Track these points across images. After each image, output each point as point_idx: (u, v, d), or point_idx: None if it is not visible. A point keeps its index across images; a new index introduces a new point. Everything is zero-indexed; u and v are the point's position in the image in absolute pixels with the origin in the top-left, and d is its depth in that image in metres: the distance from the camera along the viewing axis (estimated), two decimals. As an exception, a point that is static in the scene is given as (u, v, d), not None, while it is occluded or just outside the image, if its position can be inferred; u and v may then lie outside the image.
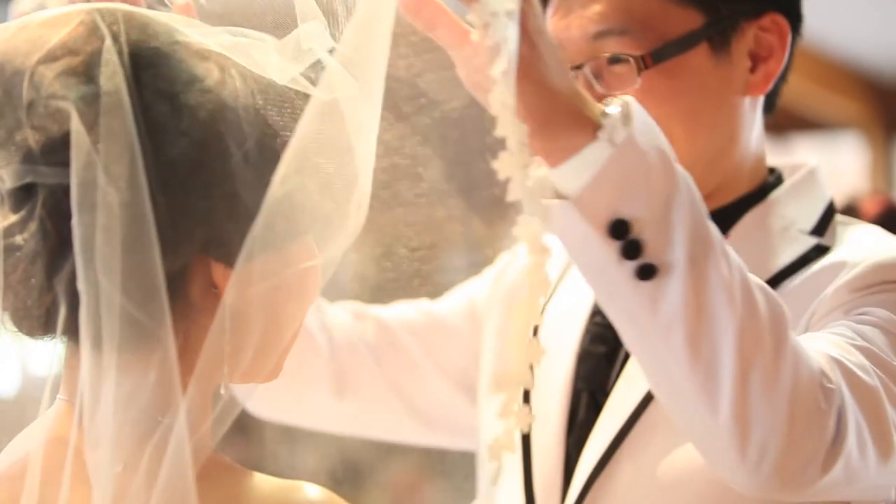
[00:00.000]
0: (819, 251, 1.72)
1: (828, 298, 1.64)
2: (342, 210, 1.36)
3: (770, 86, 1.79)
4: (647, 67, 1.69)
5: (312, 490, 1.29)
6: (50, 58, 1.26)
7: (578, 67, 1.71)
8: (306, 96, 1.33)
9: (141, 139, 1.24)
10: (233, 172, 1.28)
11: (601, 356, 1.78)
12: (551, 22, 1.73)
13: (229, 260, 1.27)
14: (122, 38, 1.27)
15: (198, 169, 1.27)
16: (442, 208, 2.00)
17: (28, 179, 1.26)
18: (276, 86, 1.33)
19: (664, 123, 1.65)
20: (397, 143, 1.79)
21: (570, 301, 1.86)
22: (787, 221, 1.76)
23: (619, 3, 1.71)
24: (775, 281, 1.68)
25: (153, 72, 1.28)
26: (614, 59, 1.70)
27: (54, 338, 1.29)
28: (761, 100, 1.82)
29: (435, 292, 2.09)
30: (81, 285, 1.22)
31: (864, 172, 9.32)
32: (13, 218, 1.28)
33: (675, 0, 1.71)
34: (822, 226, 1.76)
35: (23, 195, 1.28)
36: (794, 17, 1.80)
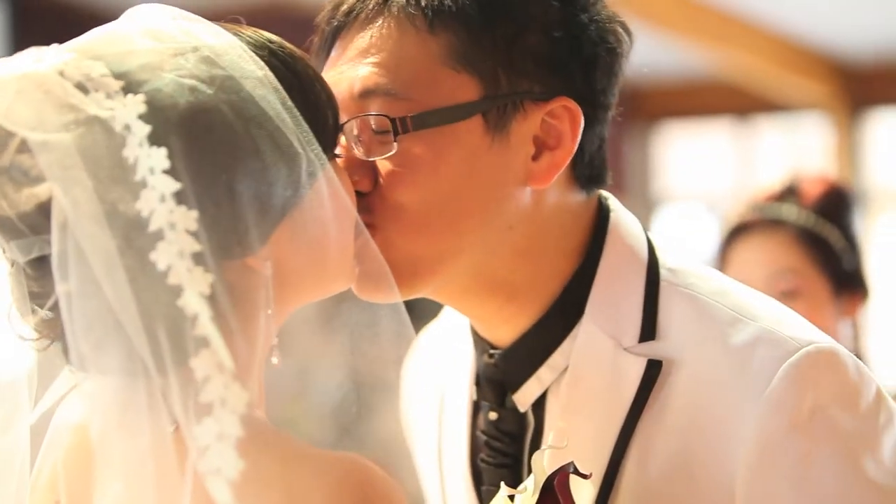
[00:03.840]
0: (654, 367, 1.54)
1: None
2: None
3: (553, 178, 1.56)
4: (404, 132, 1.50)
5: (360, 462, 1.31)
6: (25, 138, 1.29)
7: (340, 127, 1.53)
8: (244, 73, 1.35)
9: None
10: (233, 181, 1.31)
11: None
12: (328, 76, 1.56)
13: (255, 246, 1.32)
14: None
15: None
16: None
17: (35, 253, 1.31)
18: (233, 67, 1.34)
19: (420, 210, 1.53)
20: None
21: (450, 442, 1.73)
22: (613, 332, 1.57)
23: (389, 61, 1.53)
24: (632, 417, 1.53)
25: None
26: (379, 124, 1.52)
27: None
28: (550, 186, 1.58)
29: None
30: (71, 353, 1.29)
31: (828, 153, 9.34)
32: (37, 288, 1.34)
33: (452, 65, 1.53)
34: (649, 320, 1.57)
35: (39, 266, 1.32)
36: (591, 105, 1.58)
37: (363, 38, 1.55)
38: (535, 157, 1.56)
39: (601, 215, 1.63)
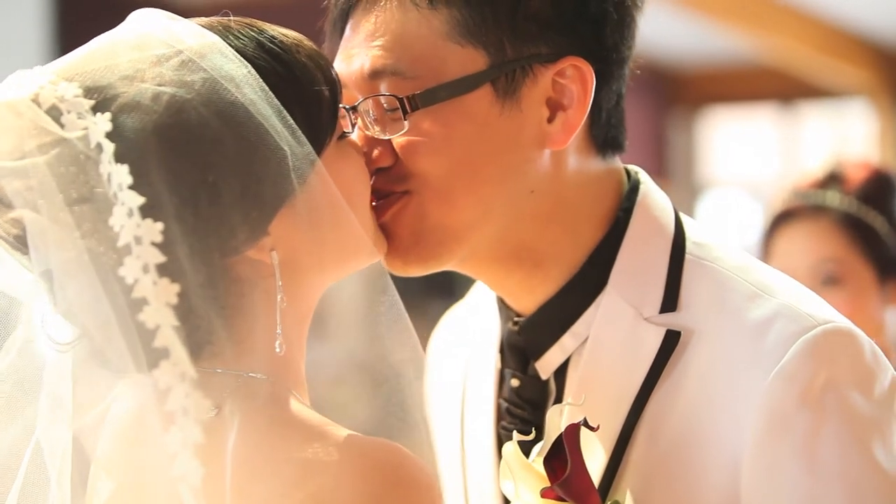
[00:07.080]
0: (673, 338, 1.54)
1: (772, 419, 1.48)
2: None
3: (570, 138, 1.56)
4: (412, 110, 1.52)
5: (392, 446, 1.35)
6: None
7: (353, 109, 1.54)
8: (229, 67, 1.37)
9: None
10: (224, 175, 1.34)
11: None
12: (341, 56, 1.59)
13: (250, 240, 1.36)
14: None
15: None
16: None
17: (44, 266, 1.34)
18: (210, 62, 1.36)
19: (441, 177, 1.54)
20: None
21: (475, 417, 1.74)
22: (635, 302, 1.57)
23: (394, 42, 1.54)
24: (648, 385, 1.53)
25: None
26: (389, 103, 1.53)
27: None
28: (570, 149, 1.59)
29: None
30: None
31: (872, 140, 9.29)
32: None
33: (456, 39, 1.53)
34: (671, 292, 1.57)
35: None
36: (604, 61, 1.57)
37: (369, 20, 1.56)
38: (550, 119, 1.56)
39: (630, 188, 1.63)
